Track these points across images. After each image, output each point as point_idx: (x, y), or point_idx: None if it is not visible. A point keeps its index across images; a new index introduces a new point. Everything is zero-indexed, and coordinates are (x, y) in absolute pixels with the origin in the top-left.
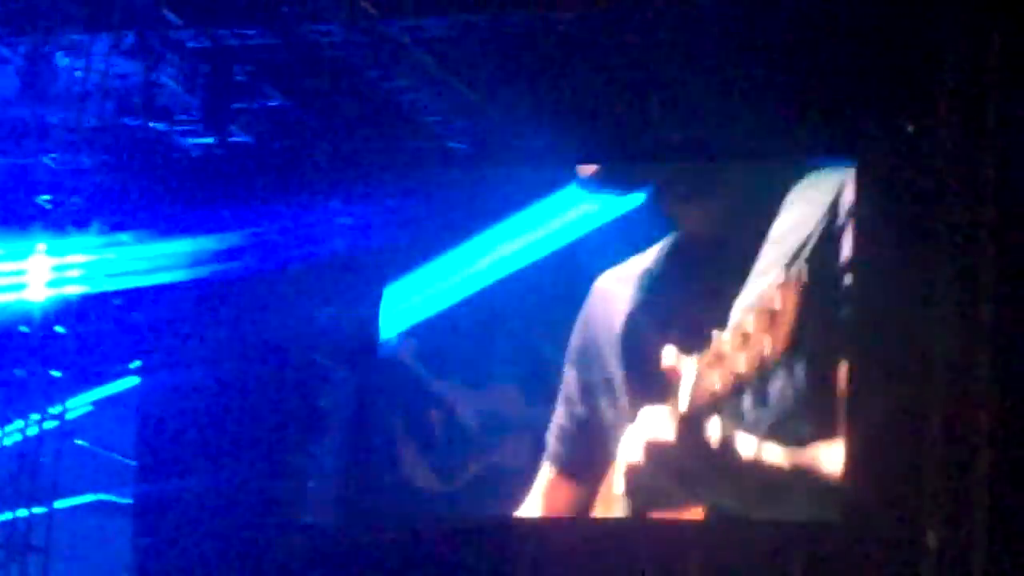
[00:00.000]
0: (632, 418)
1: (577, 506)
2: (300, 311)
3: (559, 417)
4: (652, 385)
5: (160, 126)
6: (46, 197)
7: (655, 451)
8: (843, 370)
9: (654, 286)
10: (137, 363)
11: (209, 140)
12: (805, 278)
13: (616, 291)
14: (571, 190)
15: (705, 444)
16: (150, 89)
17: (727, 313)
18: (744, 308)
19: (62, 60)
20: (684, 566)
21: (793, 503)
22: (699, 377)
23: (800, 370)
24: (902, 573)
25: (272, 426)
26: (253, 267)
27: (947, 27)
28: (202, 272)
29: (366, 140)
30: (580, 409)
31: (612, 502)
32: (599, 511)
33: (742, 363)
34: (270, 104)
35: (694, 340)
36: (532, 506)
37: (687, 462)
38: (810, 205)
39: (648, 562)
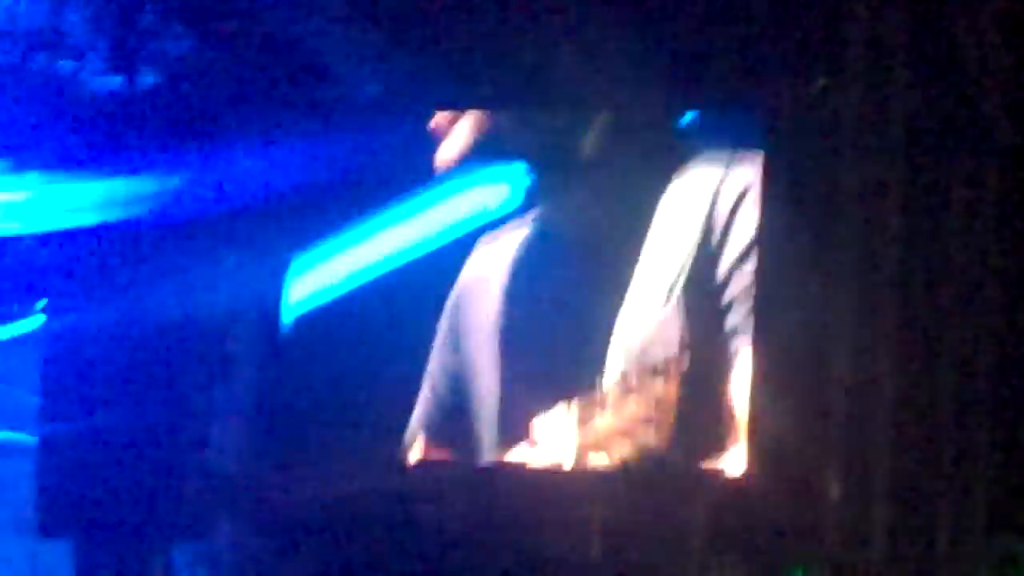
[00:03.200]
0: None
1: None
2: (208, 257)
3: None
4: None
5: (67, 66)
6: None
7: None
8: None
9: (531, 277)
10: (42, 302)
11: (117, 82)
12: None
13: (490, 275)
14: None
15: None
16: (57, 30)
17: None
18: (626, 355)
19: None
20: (585, 515)
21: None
22: (580, 430)
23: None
24: (804, 523)
25: (177, 369)
26: (162, 212)
27: None
28: (110, 216)
29: (274, 85)
30: (447, 397)
31: None
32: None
33: (625, 417)
34: (179, 46)
35: (570, 354)
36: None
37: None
38: (687, 212)
39: (549, 510)
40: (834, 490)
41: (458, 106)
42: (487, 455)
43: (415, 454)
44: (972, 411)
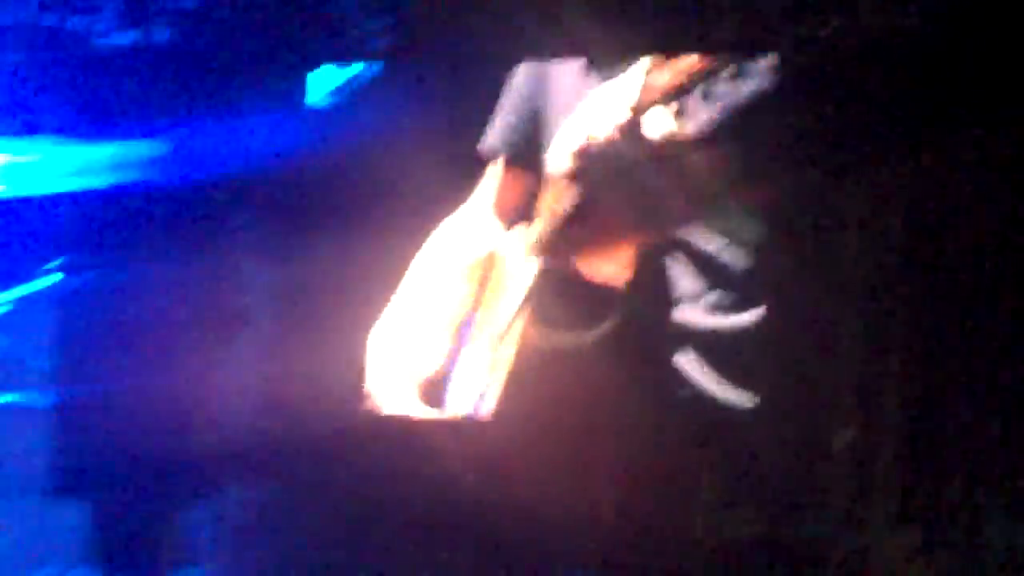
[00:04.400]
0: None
1: (527, 195)
2: (221, 215)
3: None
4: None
5: (79, 23)
6: None
7: (599, 141)
8: None
9: None
10: (55, 264)
11: (130, 38)
12: None
13: None
14: None
15: (648, 138)
16: None
17: None
18: None
19: None
20: (585, 466)
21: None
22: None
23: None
24: (808, 473)
25: (192, 328)
26: (175, 172)
27: None
28: (124, 177)
29: (287, 38)
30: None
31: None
32: (546, 201)
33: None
34: (193, 1)
35: None
36: (483, 197)
37: (631, 155)
38: None
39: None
40: (844, 438)
41: (461, 58)
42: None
43: (495, 173)
44: (982, 358)
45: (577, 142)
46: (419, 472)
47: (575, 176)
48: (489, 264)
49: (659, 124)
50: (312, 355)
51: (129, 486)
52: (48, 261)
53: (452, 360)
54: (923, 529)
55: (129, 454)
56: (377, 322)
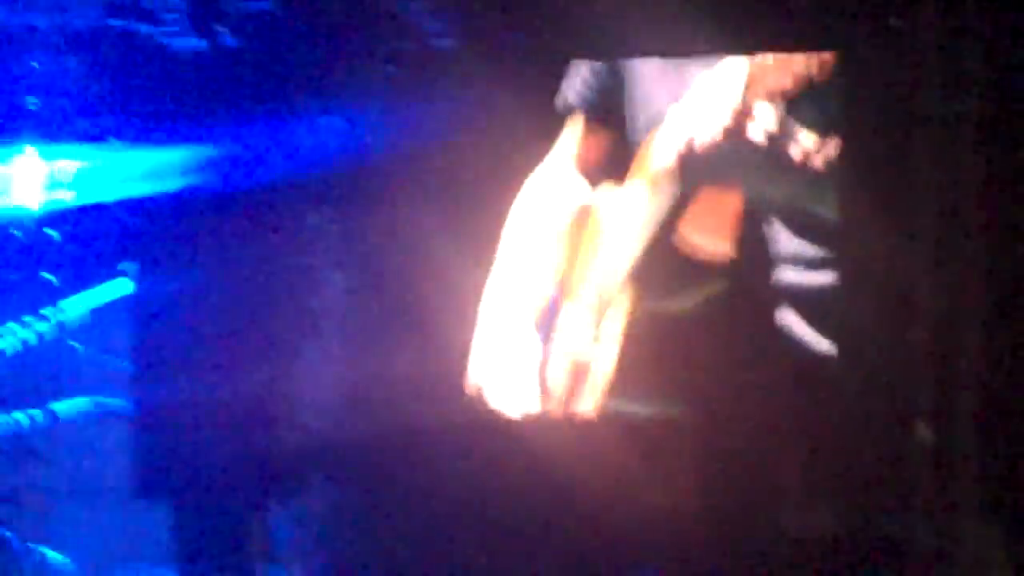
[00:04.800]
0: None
1: (608, 155)
2: (291, 217)
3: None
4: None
5: (146, 28)
6: (34, 100)
7: (702, 134)
8: None
9: None
10: (131, 268)
11: (196, 43)
12: None
13: None
14: None
15: (758, 131)
16: None
17: None
18: None
19: None
20: (652, 464)
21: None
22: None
23: None
24: (891, 464)
25: (266, 330)
26: (244, 175)
27: None
28: (194, 180)
29: (350, 42)
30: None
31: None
32: (640, 174)
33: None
34: (257, 5)
35: None
36: (563, 153)
37: (739, 145)
38: None
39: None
40: (925, 437)
41: (539, 60)
42: (640, 135)
43: (574, 130)
44: None
45: (681, 140)
46: (512, 472)
47: (681, 170)
48: (582, 222)
49: (763, 123)
50: (402, 351)
51: (213, 487)
52: (123, 265)
53: (551, 322)
54: (1008, 521)
55: (213, 456)
56: (473, 308)
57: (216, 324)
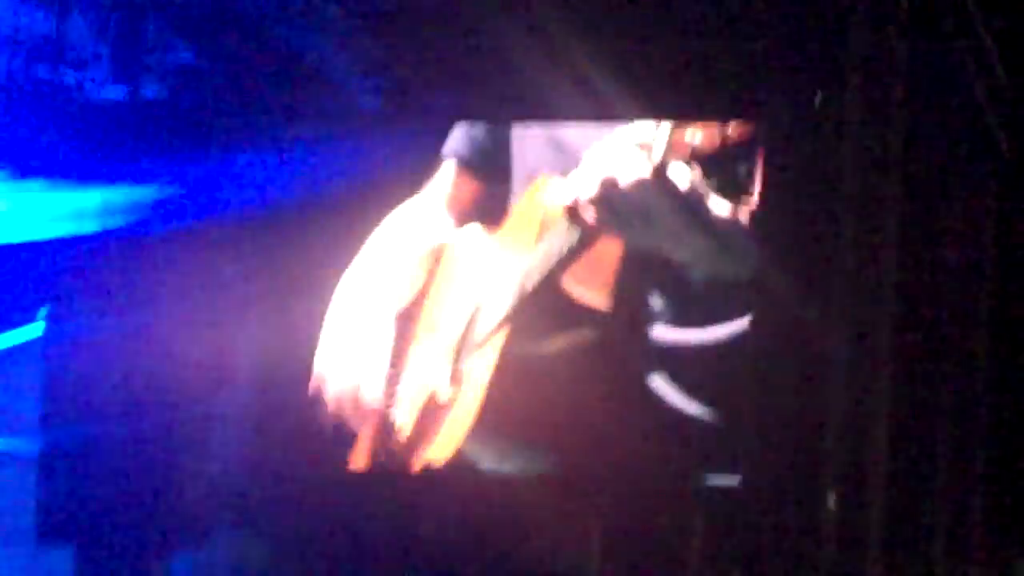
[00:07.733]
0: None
1: (482, 199)
2: (209, 265)
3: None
4: None
5: (71, 77)
6: None
7: (616, 184)
8: None
9: None
10: (43, 311)
11: (120, 93)
12: None
13: None
14: None
15: (673, 189)
16: (60, 39)
17: None
18: None
19: None
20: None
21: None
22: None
23: None
24: (802, 535)
25: (178, 376)
26: (163, 221)
27: None
28: (111, 224)
29: (275, 97)
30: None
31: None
32: (523, 219)
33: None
34: (181, 57)
35: None
36: (435, 193)
37: (653, 200)
38: None
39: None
40: (831, 500)
41: (459, 117)
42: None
43: (445, 178)
44: (971, 419)
45: (594, 189)
46: (403, 522)
47: (585, 216)
48: (437, 257)
49: (682, 178)
50: (295, 402)
51: (116, 534)
52: (35, 307)
53: (400, 358)
54: None
55: (117, 502)
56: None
57: (124, 370)
